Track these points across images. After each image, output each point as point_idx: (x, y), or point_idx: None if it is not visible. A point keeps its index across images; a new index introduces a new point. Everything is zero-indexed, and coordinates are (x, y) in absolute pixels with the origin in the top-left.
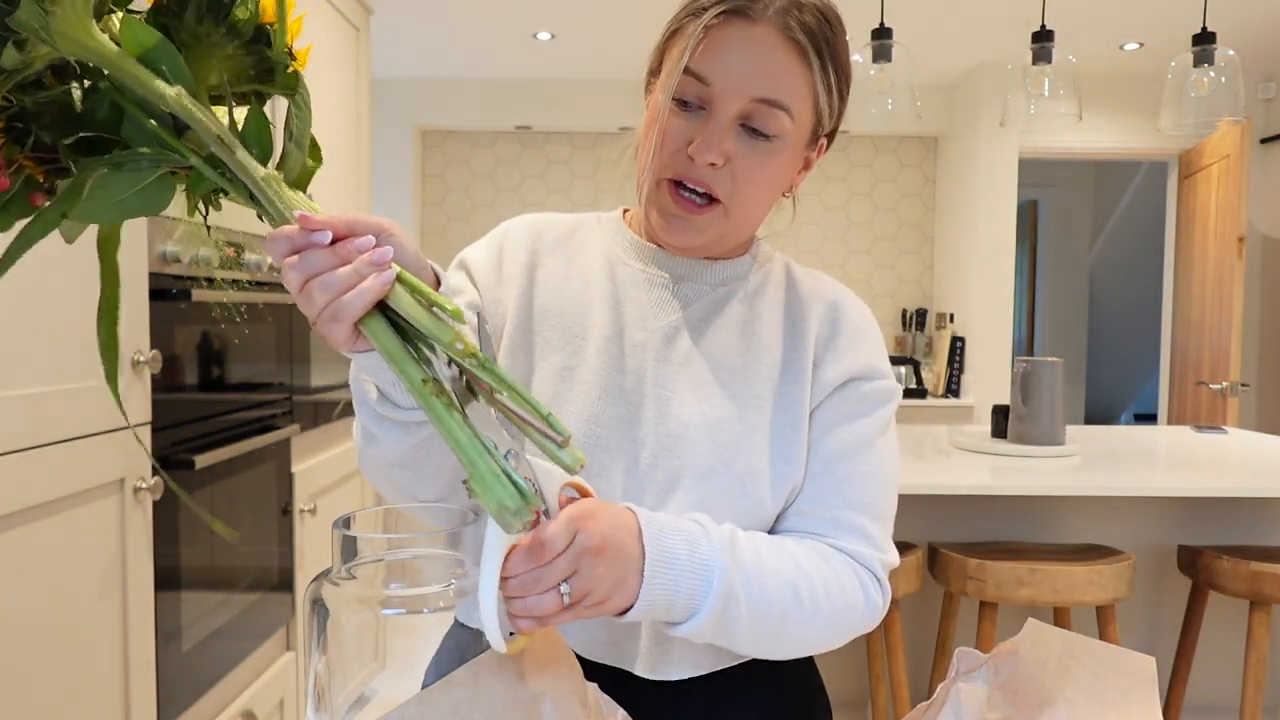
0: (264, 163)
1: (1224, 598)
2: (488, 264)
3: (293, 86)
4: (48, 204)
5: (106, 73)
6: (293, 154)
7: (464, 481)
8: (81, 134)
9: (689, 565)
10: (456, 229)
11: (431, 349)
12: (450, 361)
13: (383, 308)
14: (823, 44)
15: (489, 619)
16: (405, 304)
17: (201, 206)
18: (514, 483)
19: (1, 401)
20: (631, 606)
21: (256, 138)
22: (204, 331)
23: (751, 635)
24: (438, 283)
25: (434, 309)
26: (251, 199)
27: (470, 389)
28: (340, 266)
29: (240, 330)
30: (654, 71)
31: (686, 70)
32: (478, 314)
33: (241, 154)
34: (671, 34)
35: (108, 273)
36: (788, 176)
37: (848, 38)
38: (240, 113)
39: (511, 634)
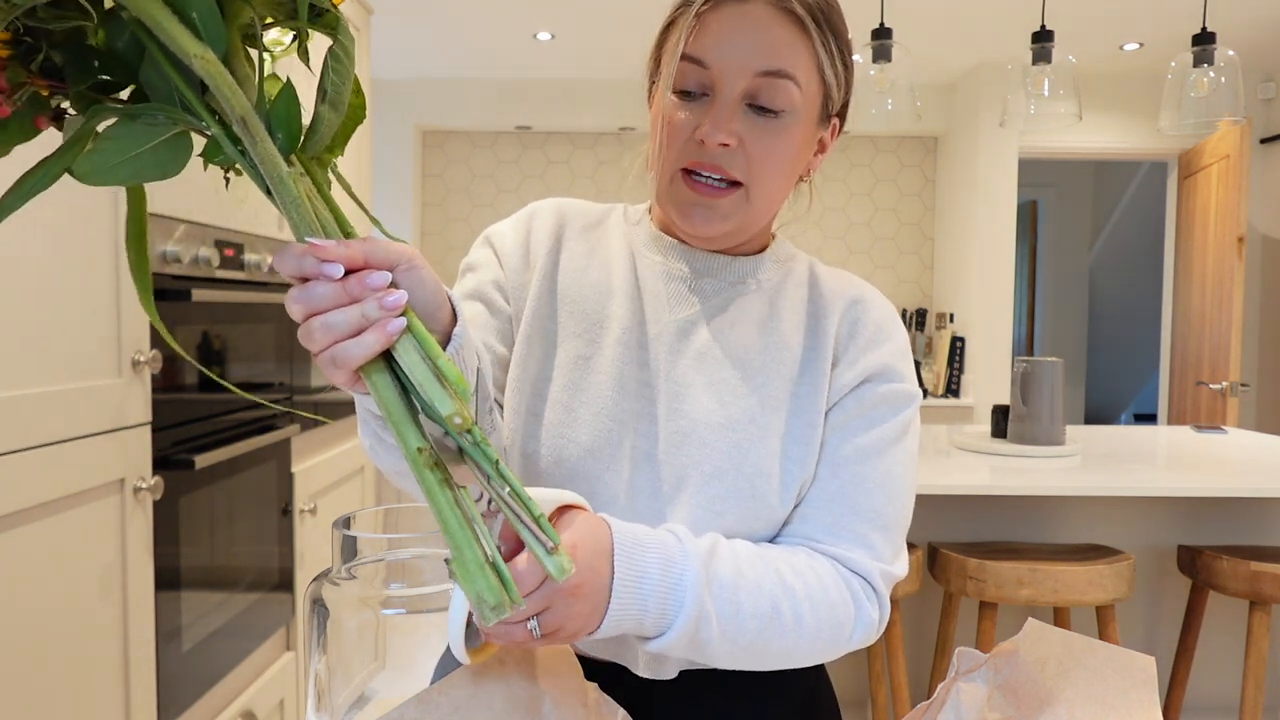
0: (290, 149)
1: (1224, 598)
2: (516, 246)
3: (334, 27)
4: (55, 143)
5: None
6: (325, 117)
7: (446, 560)
8: (95, 68)
9: (660, 584)
10: (456, 229)
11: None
12: (446, 433)
13: (388, 356)
14: (818, 12)
15: (455, 631)
16: (410, 361)
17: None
18: (500, 575)
19: (1, 401)
20: (599, 626)
21: (285, 120)
22: (204, 331)
23: (727, 652)
24: (454, 319)
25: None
26: (269, 193)
27: (460, 456)
28: (348, 304)
29: (240, 330)
30: (653, 77)
31: (685, 57)
32: (501, 293)
33: (264, 144)
34: (665, 29)
35: (134, 193)
36: (803, 157)
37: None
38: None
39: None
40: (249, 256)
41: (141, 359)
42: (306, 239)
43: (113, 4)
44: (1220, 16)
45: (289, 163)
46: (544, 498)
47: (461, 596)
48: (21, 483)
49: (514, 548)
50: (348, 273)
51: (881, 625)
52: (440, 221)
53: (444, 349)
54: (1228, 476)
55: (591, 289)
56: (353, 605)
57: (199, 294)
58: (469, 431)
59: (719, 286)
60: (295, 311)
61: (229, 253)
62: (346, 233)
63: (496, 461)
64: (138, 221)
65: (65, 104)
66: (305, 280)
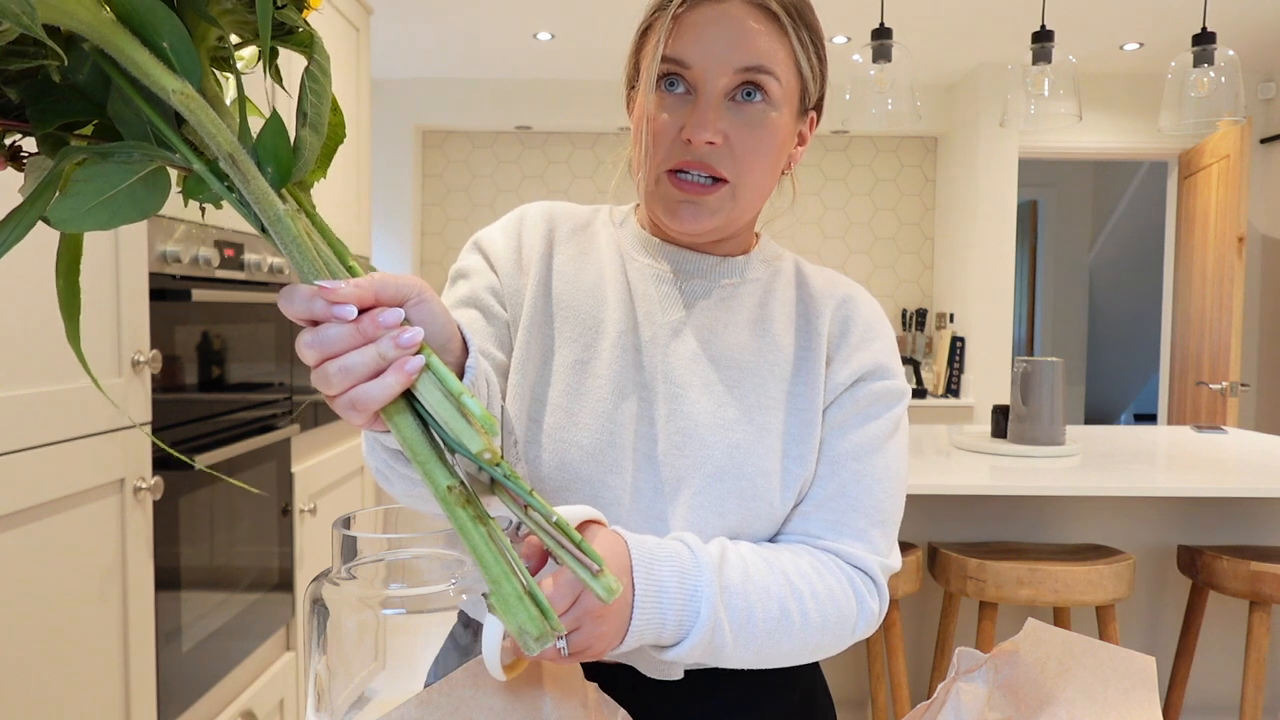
0: (281, 182)
1: (1224, 598)
2: (508, 251)
3: (308, 45)
4: (20, 189)
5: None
6: (308, 141)
7: (484, 594)
8: (59, 106)
9: (676, 597)
10: (456, 229)
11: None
12: (480, 468)
13: (407, 394)
14: (792, 7)
15: (490, 653)
16: (432, 400)
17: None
18: (539, 604)
19: (1, 401)
20: (622, 641)
21: (273, 153)
22: (204, 331)
23: (739, 655)
24: (465, 349)
25: (462, 403)
26: (263, 230)
27: (491, 487)
28: (363, 345)
29: (240, 330)
30: (632, 83)
31: (665, 59)
32: (497, 299)
33: (257, 182)
34: (643, 34)
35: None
36: (785, 149)
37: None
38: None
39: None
40: (249, 256)
41: (141, 359)
42: (315, 281)
43: (69, 32)
44: (1220, 16)
45: (281, 198)
46: (567, 515)
47: (496, 626)
48: (21, 483)
49: (535, 566)
50: (359, 312)
51: (881, 615)
52: (440, 221)
53: (460, 380)
54: (1228, 476)
55: (585, 294)
56: (353, 605)
57: (199, 294)
58: (499, 465)
59: (708, 288)
60: (309, 356)
61: (229, 253)
62: (349, 267)
63: (531, 491)
64: (72, 249)
65: (19, 139)
66: (314, 322)
